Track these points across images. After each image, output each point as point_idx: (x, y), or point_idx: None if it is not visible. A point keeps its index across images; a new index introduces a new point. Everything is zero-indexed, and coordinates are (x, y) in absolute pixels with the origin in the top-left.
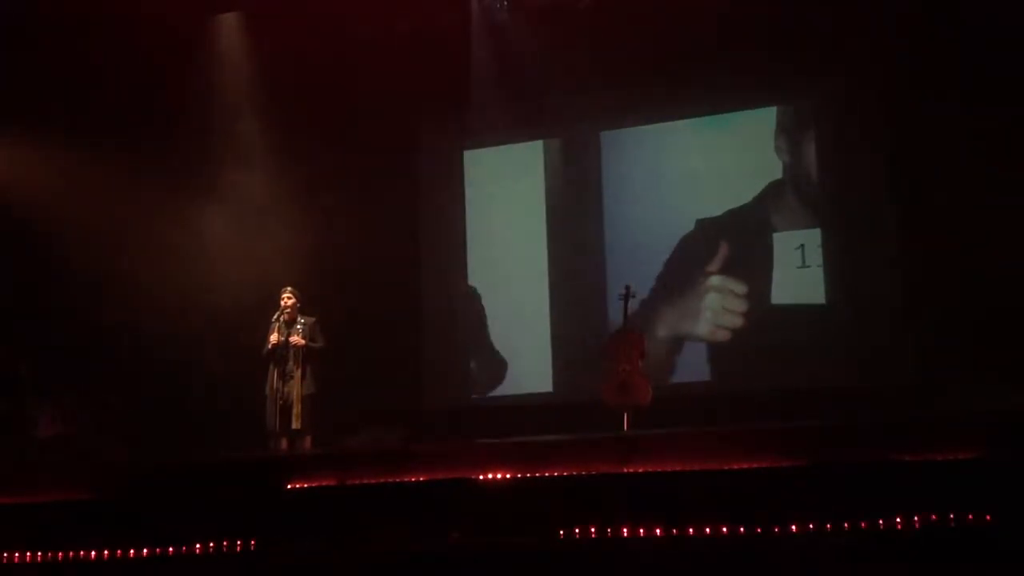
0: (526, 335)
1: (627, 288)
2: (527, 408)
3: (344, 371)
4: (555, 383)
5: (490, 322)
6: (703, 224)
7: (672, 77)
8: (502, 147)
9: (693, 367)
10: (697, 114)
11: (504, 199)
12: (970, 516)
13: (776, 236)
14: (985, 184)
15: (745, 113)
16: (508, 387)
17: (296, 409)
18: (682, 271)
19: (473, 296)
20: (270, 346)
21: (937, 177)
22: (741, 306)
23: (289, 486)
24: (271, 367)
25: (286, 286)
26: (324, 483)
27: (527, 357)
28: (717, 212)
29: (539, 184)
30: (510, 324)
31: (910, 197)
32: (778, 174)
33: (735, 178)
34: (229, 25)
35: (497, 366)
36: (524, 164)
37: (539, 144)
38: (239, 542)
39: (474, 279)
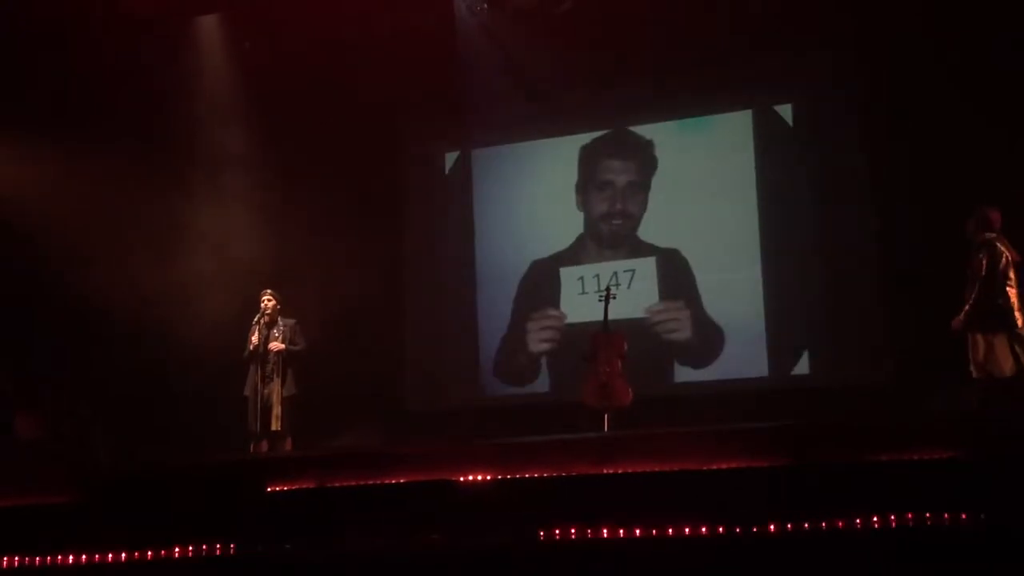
0: None
1: (607, 290)
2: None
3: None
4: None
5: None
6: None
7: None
8: (488, 149)
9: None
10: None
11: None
12: (947, 516)
13: None
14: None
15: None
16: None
17: (276, 411)
18: None
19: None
20: (251, 348)
21: (920, 178)
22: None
23: (270, 488)
24: (251, 369)
25: (266, 288)
26: (304, 485)
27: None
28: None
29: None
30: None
31: (892, 197)
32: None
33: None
34: (211, 27)
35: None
36: (509, 166)
37: (525, 145)
38: (219, 545)
39: (460, 280)
